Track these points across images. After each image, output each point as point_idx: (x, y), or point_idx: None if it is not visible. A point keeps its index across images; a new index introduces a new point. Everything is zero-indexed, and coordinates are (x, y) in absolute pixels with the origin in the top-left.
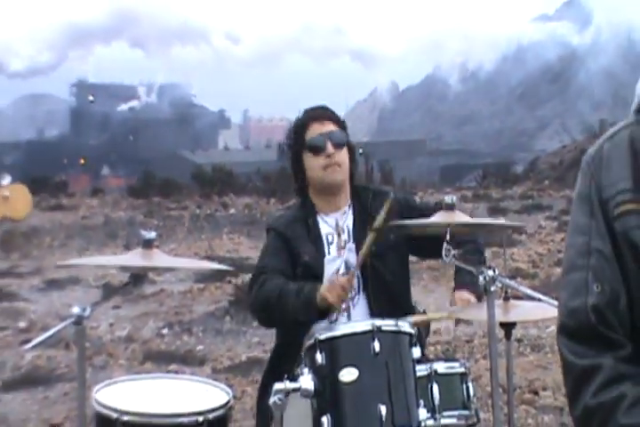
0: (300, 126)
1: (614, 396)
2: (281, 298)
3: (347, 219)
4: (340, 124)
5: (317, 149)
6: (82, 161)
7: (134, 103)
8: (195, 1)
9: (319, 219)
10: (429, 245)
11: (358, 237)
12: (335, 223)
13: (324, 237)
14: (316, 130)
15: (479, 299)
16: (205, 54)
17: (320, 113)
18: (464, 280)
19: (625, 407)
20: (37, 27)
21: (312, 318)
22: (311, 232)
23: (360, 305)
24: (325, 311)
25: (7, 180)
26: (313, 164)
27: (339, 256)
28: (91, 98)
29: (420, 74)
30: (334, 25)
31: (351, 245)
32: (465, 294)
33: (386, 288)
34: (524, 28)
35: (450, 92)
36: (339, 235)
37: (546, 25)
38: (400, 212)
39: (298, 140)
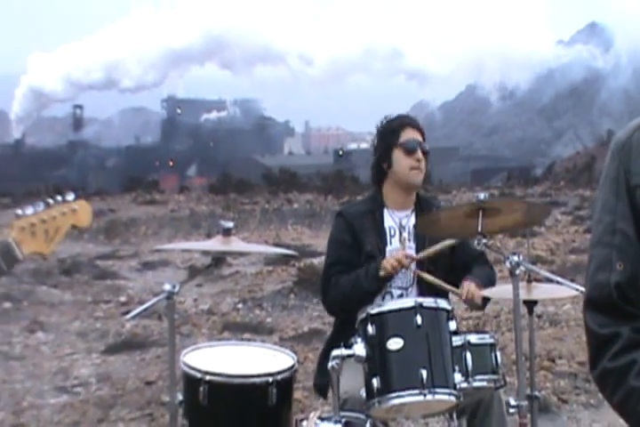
0: (397, 127)
1: (628, 361)
2: (354, 284)
3: (409, 220)
4: (424, 136)
5: (410, 151)
6: (171, 163)
7: (216, 115)
8: (275, 28)
9: (385, 212)
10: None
11: (417, 237)
12: (399, 221)
13: (387, 229)
14: (410, 135)
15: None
16: (283, 73)
17: (413, 121)
18: (476, 274)
19: (636, 372)
20: (144, 50)
21: (378, 285)
22: (377, 224)
23: (411, 296)
24: (385, 279)
25: (72, 196)
26: (402, 162)
27: (400, 247)
28: (178, 111)
29: (460, 91)
30: (392, 49)
31: (411, 245)
32: (473, 285)
33: (433, 287)
34: (554, 51)
35: (483, 106)
36: (400, 232)
37: (572, 49)
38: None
39: (392, 138)
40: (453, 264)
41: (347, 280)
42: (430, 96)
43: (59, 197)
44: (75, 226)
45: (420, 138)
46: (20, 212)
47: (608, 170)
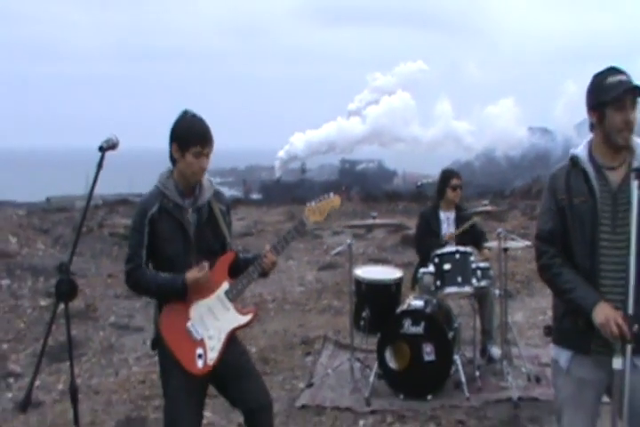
0: (448, 176)
1: (552, 262)
2: (431, 246)
3: (451, 216)
4: (461, 178)
5: (454, 189)
6: (343, 188)
7: (364, 166)
8: (404, 124)
9: (440, 212)
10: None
11: (456, 224)
12: (447, 216)
13: (441, 220)
14: (454, 181)
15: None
16: (404, 147)
17: (456, 173)
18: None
19: (556, 267)
20: (345, 135)
21: (442, 245)
22: (436, 217)
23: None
24: (444, 243)
25: (332, 193)
26: (450, 194)
27: (447, 229)
28: (347, 165)
29: (484, 155)
30: (456, 137)
31: (452, 228)
32: (485, 251)
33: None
34: (527, 137)
35: (495, 163)
36: (447, 220)
37: (535, 136)
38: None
39: (445, 181)
40: (471, 236)
41: (428, 243)
42: (472, 158)
43: (326, 195)
44: (333, 207)
45: (459, 181)
46: (308, 204)
47: (547, 185)
